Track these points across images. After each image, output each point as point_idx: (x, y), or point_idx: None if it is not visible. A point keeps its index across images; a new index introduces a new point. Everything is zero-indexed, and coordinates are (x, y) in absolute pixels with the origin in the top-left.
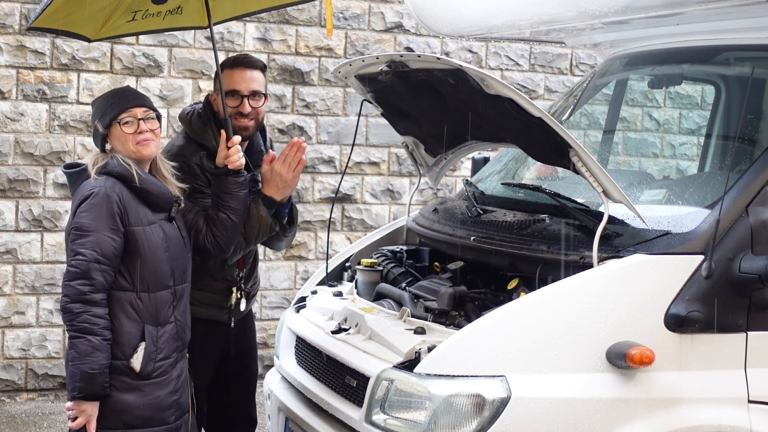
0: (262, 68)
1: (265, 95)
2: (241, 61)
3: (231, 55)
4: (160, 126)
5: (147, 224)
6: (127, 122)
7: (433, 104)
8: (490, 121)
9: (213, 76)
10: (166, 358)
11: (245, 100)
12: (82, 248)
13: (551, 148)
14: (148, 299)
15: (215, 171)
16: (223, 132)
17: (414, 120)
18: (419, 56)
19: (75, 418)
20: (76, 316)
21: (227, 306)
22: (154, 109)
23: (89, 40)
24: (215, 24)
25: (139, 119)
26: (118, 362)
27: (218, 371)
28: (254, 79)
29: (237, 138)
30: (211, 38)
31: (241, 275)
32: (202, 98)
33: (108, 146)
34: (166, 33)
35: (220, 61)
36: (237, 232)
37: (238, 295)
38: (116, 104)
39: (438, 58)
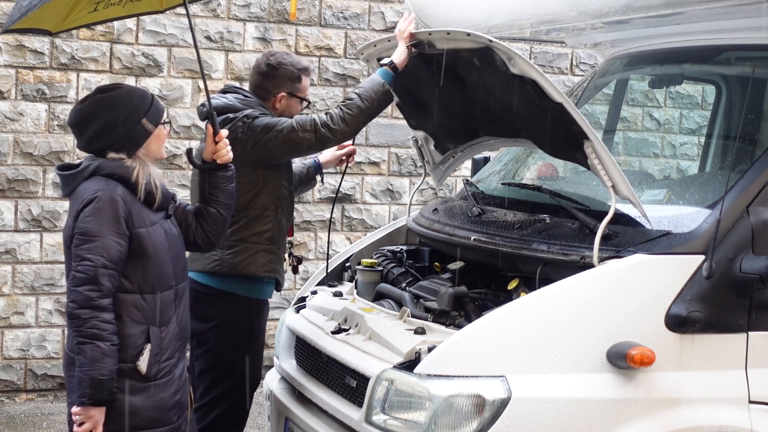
0: None
1: None
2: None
3: (231, 55)
4: None
5: (150, 225)
6: (167, 123)
7: (450, 93)
8: (507, 110)
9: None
10: (169, 359)
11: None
12: (89, 254)
13: (566, 138)
14: (153, 300)
15: (203, 166)
16: (209, 126)
17: (428, 111)
18: (448, 33)
19: (81, 423)
20: (84, 322)
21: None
22: None
23: (51, 34)
24: (173, 7)
25: None
26: (123, 365)
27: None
28: None
29: (224, 132)
30: (187, 16)
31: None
32: (201, 98)
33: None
34: (166, 33)
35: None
36: (226, 225)
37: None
38: (159, 105)
39: (468, 34)
